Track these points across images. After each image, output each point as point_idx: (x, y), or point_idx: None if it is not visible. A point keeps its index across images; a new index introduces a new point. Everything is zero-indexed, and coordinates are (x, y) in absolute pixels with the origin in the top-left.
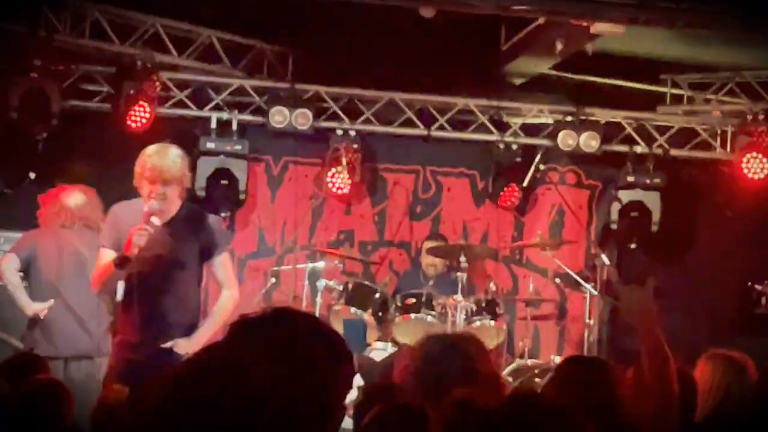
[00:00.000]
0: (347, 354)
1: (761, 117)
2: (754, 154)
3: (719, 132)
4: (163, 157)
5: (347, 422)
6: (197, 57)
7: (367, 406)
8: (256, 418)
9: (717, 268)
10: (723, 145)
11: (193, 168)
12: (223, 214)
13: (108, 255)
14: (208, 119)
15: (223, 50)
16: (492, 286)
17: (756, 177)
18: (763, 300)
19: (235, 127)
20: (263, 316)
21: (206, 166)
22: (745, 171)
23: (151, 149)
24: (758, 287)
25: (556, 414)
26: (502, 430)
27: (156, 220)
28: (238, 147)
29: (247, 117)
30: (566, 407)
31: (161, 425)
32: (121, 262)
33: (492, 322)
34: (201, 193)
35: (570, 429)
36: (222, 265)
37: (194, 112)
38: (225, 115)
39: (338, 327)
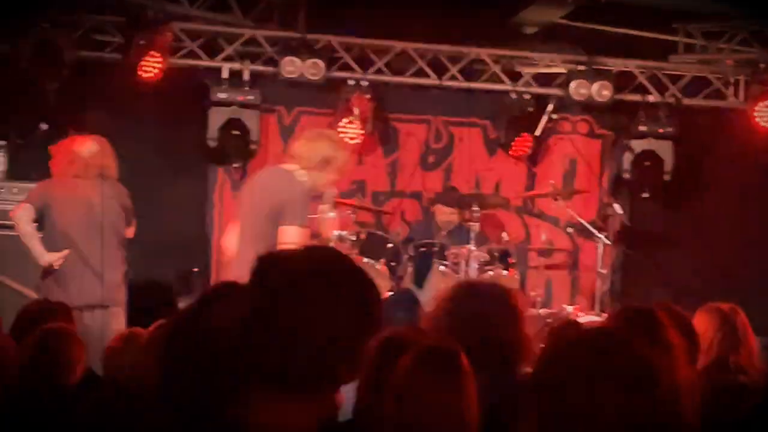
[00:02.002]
0: (376, 296)
1: None
2: (767, 103)
3: (732, 81)
4: None
5: None
6: (208, 7)
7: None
8: (281, 353)
9: (729, 217)
10: (735, 94)
11: (204, 119)
12: (235, 165)
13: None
14: (219, 69)
15: (235, 0)
16: (504, 236)
17: None
18: None
19: (246, 77)
20: (292, 254)
21: (218, 117)
22: (758, 120)
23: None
24: None
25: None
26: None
27: None
28: (250, 97)
29: (258, 67)
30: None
31: (183, 364)
32: None
33: (504, 272)
34: (213, 144)
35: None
36: None
37: (206, 62)
38: (237, 65)
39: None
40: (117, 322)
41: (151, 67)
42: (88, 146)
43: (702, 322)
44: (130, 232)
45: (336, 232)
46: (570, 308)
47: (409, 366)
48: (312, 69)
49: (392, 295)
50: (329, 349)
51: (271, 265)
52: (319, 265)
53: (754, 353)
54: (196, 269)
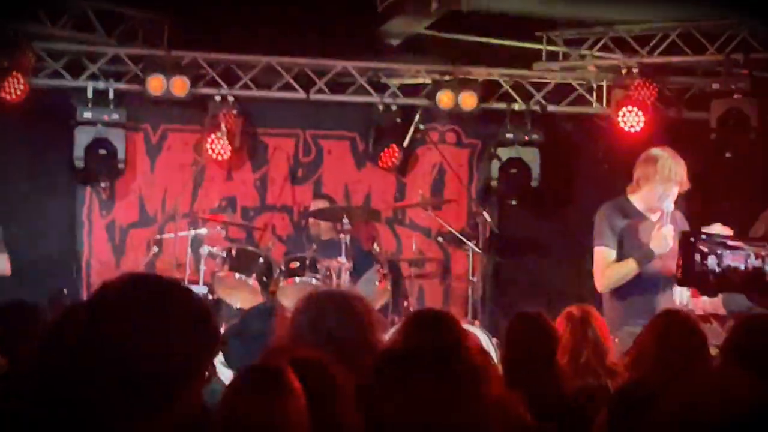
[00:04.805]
0: (209, 317)
1: (635, 71)
2: (630, 107)
3: (595, 87)
4: (680, 162)
5: None
6: (71, 26)
7: None
8: (118, 383)
9: None
10: (599, 100)
11: (70, 139)
12: (102, 185)
13: (610, 254)
14: (84, 89)
15: (97, 19)
16: (376, 248)
17: (632, 130)
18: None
19: (111, 96)
20: (123, 284)
21: (84, 137)
22: (622, 125)
23: (665, 152)
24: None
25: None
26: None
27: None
28: (116, 116)
29: (123, 86)
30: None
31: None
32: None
33: (377, 283)
34: (79, 164)
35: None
36: None
37: (70, 82)
38: (101, 85)
39: (227, 296)
40: None
41: (13, 88)
42: None
43: (558, 327)
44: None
45: (207, 249)
46: None
47: (232, 386)
48: (177, 86)
49: (251, 307)
50: (161, 368)
51: (102, 290)
52: (143, 289)
53: (608, 355)
54: (66, 290)
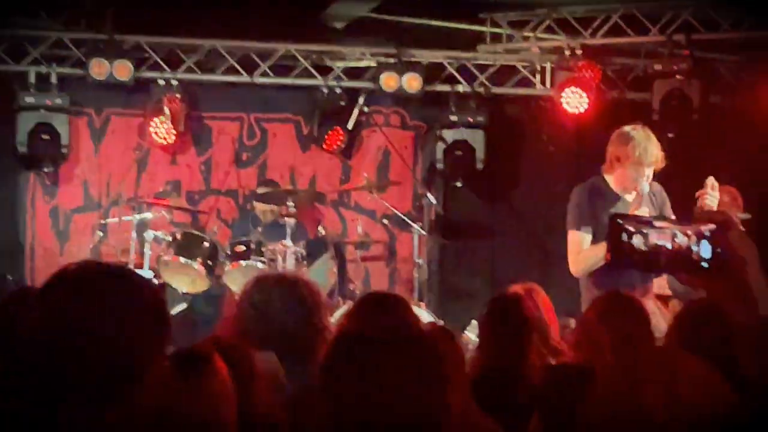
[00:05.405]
0: (162, 306)
1: (579, 52)
2: (573, 89)
3: (539, 68)
4: (652, 141)
5: None
6: (13, 10)
7: None
8: (71, 374)
9: (541, 202)
10: (543, 82)
11: (13, 124)
12: (46, 169)
13: (584, 238)
14: (26, 74)
15: (40, 2)
16: (321, 231)
17: (576, 111)
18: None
19: (54, 80)
20: (78, 274)
21: (26, 122)
22: (565, 106)
23: (637, 132)
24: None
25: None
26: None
27: None
28: (59, 101)
29: (66, 70)
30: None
31: None
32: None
33: (328, 269)
34: (22, 149)
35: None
36: None
37: (12, 66)
38: (44, 69)
39: (172, 280)
40: None
41: None
42: None
43: None
44: None
45: (152, 233)
46: None
47: (160, 372)
48: (121, 70)
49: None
50: (116, 358)
51: (58, 278)
52: (102, 277)
53: (551, 334)
54: (10, 277)
